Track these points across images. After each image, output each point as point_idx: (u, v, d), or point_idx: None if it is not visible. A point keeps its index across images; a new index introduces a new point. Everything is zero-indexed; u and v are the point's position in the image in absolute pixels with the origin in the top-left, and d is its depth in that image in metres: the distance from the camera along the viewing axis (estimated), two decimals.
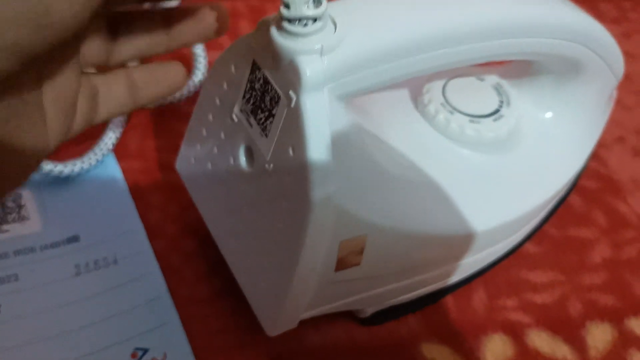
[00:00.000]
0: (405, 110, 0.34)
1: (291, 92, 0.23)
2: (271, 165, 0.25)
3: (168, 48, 0.27)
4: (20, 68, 0.19)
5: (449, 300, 0.36)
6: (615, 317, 0.36)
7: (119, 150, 0.40)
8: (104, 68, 0.27)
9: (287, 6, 0.22)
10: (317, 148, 0.23)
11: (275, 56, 0.23)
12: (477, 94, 0.35)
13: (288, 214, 0.25)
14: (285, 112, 0.24)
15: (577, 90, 0.36)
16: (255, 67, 0.25)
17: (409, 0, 0.26)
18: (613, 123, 0.46)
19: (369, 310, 0.32)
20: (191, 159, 0.32)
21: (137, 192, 0.38)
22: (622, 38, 0.55)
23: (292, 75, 0.23)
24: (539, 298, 0.36)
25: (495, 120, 0.34)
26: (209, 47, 0.42)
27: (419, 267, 0.32)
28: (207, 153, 0.30)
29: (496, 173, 0.34)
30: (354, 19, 0.24)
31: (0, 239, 0.35)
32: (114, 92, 0.26)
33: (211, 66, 0.45)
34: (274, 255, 0.27)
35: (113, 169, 0.39)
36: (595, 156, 0.44)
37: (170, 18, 0.27)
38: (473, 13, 0.27)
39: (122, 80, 0.26)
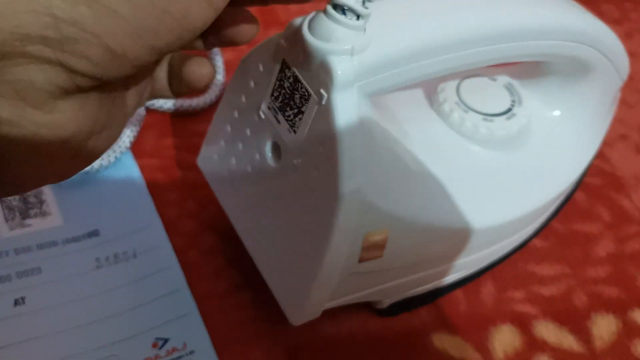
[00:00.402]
0: (421, 108, 0.35)
1: (322, 91, 0.24)
2: (299, 160, 0.26)
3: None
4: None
5: (459, 293, 0.37)
6: (619, 308, 0.37)
7: (136, 149, 0.41)
8: None
9: None
10: (347, 144, 0.24)
11: (306, 56, 0.24)
12: (490, 93, 0.36)
13: (316, 207, 0.26)
14: (315, 110, 0.25)
15: (584, 90, 0.37)
16: (284, 66, 0.26)
17: (432, 4, 0.27)
18: (616, 121, 0.48)
19: (387, 302, 0.33)
20: (214, 155, 0.32)
21: (155, 189, 0.39)
22: (624, 38, 0.56)
23: (323, 75, 0.24)
24: (546, 290, 0.37)
25: (508, 119, 0.35)
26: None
27: (435, 260, 0.33)
28: (231, 149, 0.31)
29: (507, 170, 0.35)
30: (382, 22, 0.25)
31: (23, 233, 0.36)
32: (158, 76, 0.27)
33: (226, 65, 0.46)
34: (301, 247, 0.28)
35: (131, 167, 0.40)
36: (598, 153, 0.45)
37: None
38: (491, 17, 0.28)
39: (165, 65, 0.27)
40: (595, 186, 0.43)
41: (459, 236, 0.32)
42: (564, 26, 0.32)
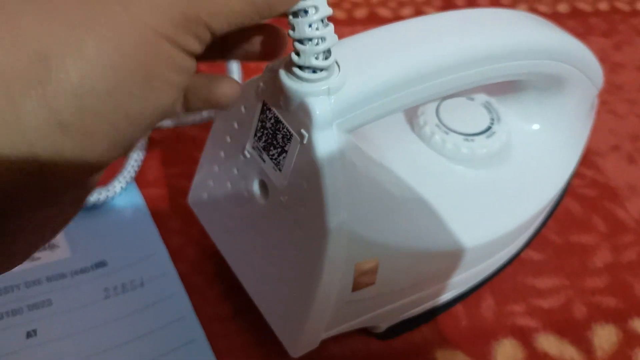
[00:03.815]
0: (403, 132, 0.34)
1: (303, 131, 0.23)
2: (286, 197, 0.26)
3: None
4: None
5: (459, 308, 0.36)
6: (619, 318, 0.36)
7: (140, 179, 0.41)
8: None
9: (297, 54, 0.22)
10: (330, 180, 0.24)
11: (285, 98, 0.24)
12: (469, 113, 0.35)
13: (305, 242, 0.25)
14: (298, 149, 0.24)
15: (561, 102, 0.36)
16: (265, 107, 0.25)
17: (403, 37, 0.27)
18: (607, 132, 0.46)
19: (383, 326, 0.32)
20: (203, 193, 0.32)
21: (159, 218, 0.39)
22: (613, 49, 0.55)
23: (303, 116, 0.23)
24: (545, 303, 0.36)
25: (488, 137, 0.34)
26: None
27: (429, 280, 0.32)
28: (220, 188, 0.30)
29: (492, 186, 0.34)
30: (355, 59, 0.24)
31: (33, 267, 0.35)
32: None
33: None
34: (293, 281, 0.27)
35: (135, 197, 0.40)
36: (592, 165, 0.44)
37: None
38: (463, 44, 0.27)
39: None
40: (590, 197, 0.42)
41: (450, 256, 0.31)
42: (535, 46, 0.31)
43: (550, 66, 0.32)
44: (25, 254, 0.22)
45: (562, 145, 0.37)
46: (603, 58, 0.54)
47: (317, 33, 0.22)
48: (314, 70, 0.22)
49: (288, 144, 0.25)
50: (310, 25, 0.21)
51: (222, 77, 0.25)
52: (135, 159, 0.40)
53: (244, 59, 0.26)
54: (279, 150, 0.25)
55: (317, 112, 0.23)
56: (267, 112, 0.25)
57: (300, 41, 0.22)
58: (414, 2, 0.58)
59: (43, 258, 0.36)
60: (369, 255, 0.27)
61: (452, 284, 0.33)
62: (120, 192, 0.39)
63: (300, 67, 0.22)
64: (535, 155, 0.36)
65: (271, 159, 0.26)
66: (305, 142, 0.24)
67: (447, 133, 0.33)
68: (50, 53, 0.17)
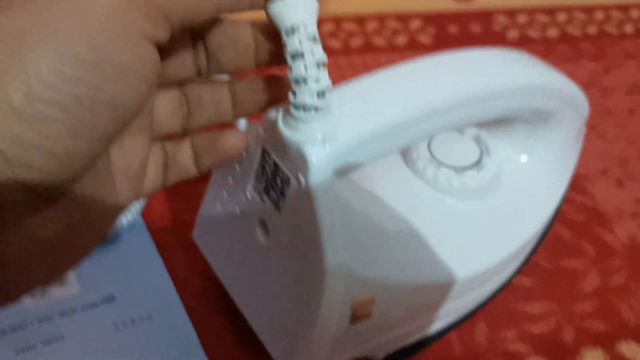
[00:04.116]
0: (396, 165, 0.36)
1: (300, 176, 0.25)
2: (286, 237, 0.27)
3: (233, 117, 0.28)
4: (101, 149, 0.21)
5: (453, 335, 0.37)
6: (607, 342, 0.37)
7: (145, 212, 0.42)
8: (170, 135, 0.28)
9: (294, 94, 0.24)
10: (327, 223, 0.25)
11: (283, 145, 0.25)
12: (459, 146, 0.37)
13: (304, 281, 0.27)
14: (296, 193, 0.26)
15: (548, 133, 0.37)
16: (265, 153, 0.27)
17: (396, 82, 0.28)
18: (596, 156, 0.48)
19: (380, 355, 0.34)
20: (207, 230, 0.34)
21: (164, 251, 0.40)
22: (602, 73, 0.56)
23: (300, 162, 0.25)
24: (536, 328, 0.38)
25: (478, 170, 0.35)
26: None
27: (424, 310, 0.33)
28: (222, 225, 0.32)
29: (483, 217, 0.36)
30: (349, 105, 0.26)
31: (44, 303, 0.37)
32: (180, 159, 0.27)
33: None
34: (293, 315, 0.28)
35: (141, 231, 0.41)
36: (581, 190, 0.45)
37: (235, 91, 0.28)
38: (455, 87, 0.29)
39: (187, 147, 0.27)
40: (579, 222, 0.43)
41: (444, 287, 0.33)
42: (524, 84, 0.32)
43: (538, 102, 0.34)
44: (30, 285, 0.23)
45: (550, 174, 0.39)
46: (593, 82, 0.56)
47: (313, 75, 0.23)
48: (309, 109, 0.24)
49: (287, 187, 0.26)
50: (306, 68, 0.23)
51: (227, 131, 0.27)
52: None
53: (256, 110, 0.28)
54: (278, 193, 0.27)
55: (314, 160, 0.24)
56: (267, 157, 0.27)
57: (297, 81, 0.24)
58: (407, 30, 0.60)
59: (54, 294, 0.37)
60: (365, 290, 0.28)
61: (446, 312, 0.35)
62: (126, 226, 0.41)
63: (296, 107, 0.24)
64: (525, 185, 0.37)
65: (271, 201, 0.27)
66: (302, 186, 0.25)
67: (438, 167, 0.35)
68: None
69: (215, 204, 0.32)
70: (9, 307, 0.22)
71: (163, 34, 0.21)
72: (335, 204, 0.25)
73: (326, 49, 0.24)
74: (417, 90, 0.28)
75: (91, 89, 0.19)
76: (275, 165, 0.26)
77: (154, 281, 0.39)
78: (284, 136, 0.25)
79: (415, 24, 0.61)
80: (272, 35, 0.25)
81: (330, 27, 0.59)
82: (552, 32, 0.62)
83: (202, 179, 0.44)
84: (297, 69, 0.23)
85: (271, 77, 0.28)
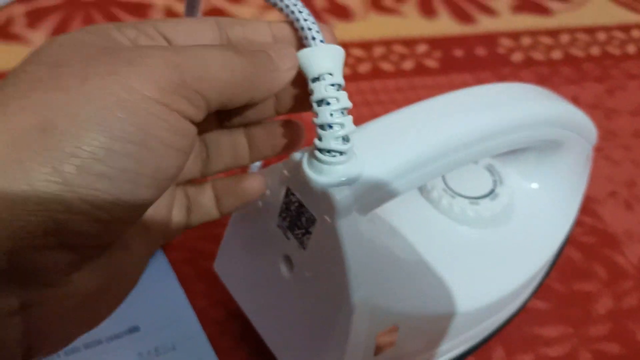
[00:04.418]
0: (411, 196, 0.36)
1: (326, 217, 0.26)
2: (311, 273, 0.28)
3: (250, 161, 0.30)
4: (141, 213, 0.23)
5: (471, 359, 0.38)
6: None
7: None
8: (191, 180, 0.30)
9: (320, 138, 0.25)
10: (353, 260, 0.26)
11: (308, 187, 0.26)
12: (473, 176, 0.37)
13: (330, 315, 0.28)
14: (321, 232, 0.27)
15: (558, 161, 0.38)
16: (289, 192, 0.28)
17: (415, 121, 0.29)
18: (604, 179, 0.49)
19: None
20: (229, 262, 0.34)
21: (185, 281, 0.41)
22: (606, 95, 0.57)
23: (325, 204, 0.26)
24: (552, 352, 0.38)
25: (492, 199, 0.36)
26: None
27: (444, 337, 0.34)
28: (245, 258, 0.33)
29: (497, 245, 0.36)
30: (370, 146, 0.27)
31: None
32: (202, 202, 0.29)
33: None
34: (318, 349, 0.29)
35: (161, 261, 0.42)
36: (590, 212, 0.46)
37: (251, 135, 0.29)
38: (473, 124, 0.30)
39: (209, 191, 0.29)
40: (590, 245, 0.44)
41: (463, 315, 0.34)
42: (538, 118, 0.33)
43: (552, 133, 0.34)
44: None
45: (561, 200, 0.40)
46: (597, 104, 0.57)
47: (338, 121, 0.24)
48: (334, 153, 0.25)
49: (312, 226, 0.27)
50: (331, 114, 0.24)
51: (247, 175, 0.29)
52: None
53: (272, 154, 0.29)
54: (303, 231, 0.28)
55: (339, 201, 0.25)
56: (291, 196, 0.28)
57: (322, 127, 0.25)
58: (414, 55, 0.61)
59: None
60: (389, 322, 0.29)
61: (465, 338, 0.35)
62: None
63: (321, 151, 0.25)
64: (537, 212, 0.38)
65: (296, 237, 0.28)
66: (328, 226, 0.26)
67: (453, 197, 0.36)
68: (55, 122, 0.20)
69: (237, 238, 0.33)
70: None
71: (201, 115, 0.23)
72: (360, 241, 0.26)
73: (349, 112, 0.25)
74: (436, 129, 0.29)
75: (136, 163, 0.21)
76: (300, 204, 0.27)
77: (176, 311, 0.40)
78: (309, 178, 0.26)
79: (421, 48, 0.62)
80: (292, 84, 0.26)
81: None
82: (556, 54, 0.63)
83: None
84: (323, 115, 0.24)
85: (286, 121, 0.29)
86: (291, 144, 0.29)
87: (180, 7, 0.63)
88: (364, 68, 0.59)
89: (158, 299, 0.40)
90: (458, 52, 0.62)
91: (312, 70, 0.25)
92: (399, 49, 0.62)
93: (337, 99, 0.24)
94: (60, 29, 0.58)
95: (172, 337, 0.38)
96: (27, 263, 0.20)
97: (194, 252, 0.43)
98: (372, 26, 0.64)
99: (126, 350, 0.38)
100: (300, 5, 0.26)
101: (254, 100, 0.24)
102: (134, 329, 0.39)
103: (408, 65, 0.60)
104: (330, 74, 0.24)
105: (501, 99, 0.32)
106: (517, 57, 0.62)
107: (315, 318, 0.29)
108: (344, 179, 0.25)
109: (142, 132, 0.21)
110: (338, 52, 0.25)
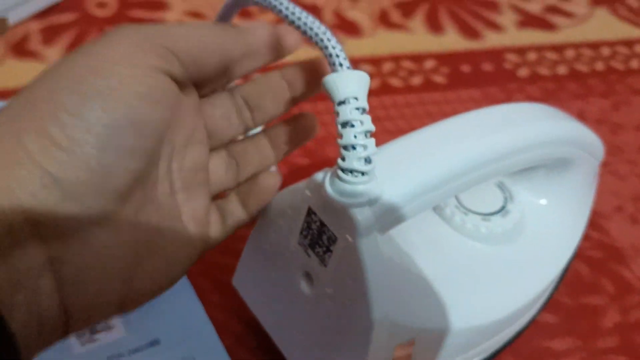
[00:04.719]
0: (424, 213, 0.37)
1: (348, 236, 0.27)
2: (331, 289, 0.29)
3: (275, 160, 0.33)
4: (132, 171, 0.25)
5: None
6: None
7: None
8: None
9: (343, 159, 0.26)
10: (373, 277, 0.27)
11: (330, 207, 0.27)
12: (484, 193, 0.39)
13: (350, 331, 0.29)
14: (343, 250, 0.28)
15: (567, 178, 0.40)
16: (310, 211, 0.29)
17: (431, 143, 0.30)
18: (610, 194, 0.50)
19: None
20: (248, 278, 0.36)
21: (201, 294, 0.42)
22: (611, 110, 0.58)
23: (347, 223, 0.27)
24: None
25: (503, 216, 0.38)
26: None
27: (457, 350, 0.35)
28: (265, 275, 0.34)
29: (508, 260, 0.37)
30: (390, 168, 0.28)
31: (94, 348, 0.39)
32: (232, 210, 0.32)
33: None
34: None
35: None
36: (597, 227, 0.47)
37: (273, 136, 0.33)
38: (487, 145, 0.31)
39: (235, 198, 0.32)
40: (597, 259, 0.45)
41: (477, 329, 0.35)
42: (551, 137, 0.35)
43: (561, 152, 0.36)
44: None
45: (569, 215, 0.41)
46: (602, 119, 0.58)
47: (361, 142, 0.26)
48: (356, 173, 0.26)
49: (333, 245, 0.28)
50: (355, 136, 0.26)
51: (263, 173, 0.32)
52: None
53: (293, 149, 0.33)
54: (324, 249, 0.29)
55: (361, 221, 0.27)
56: (313, 215, 0.29)
57: (346, 148, 0.26)
58: (422, 70, 0.62)
59: (101, 339, 0.39)
60: (406, 337, 0.30)
61: (477, 351, 0.37)
62: None
63: (344, 170, 0.26)
64: (545, 227, 0.39)
65: (316, 255, 0.29)
66: (350, 245, 0.27)
67: (466, 214, 0.37)
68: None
69: (256, 255, 0.34)
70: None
71: (176, 69, 0.26)
72: (379, 259, 0.28)
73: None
74: (453, 151, 0.30)
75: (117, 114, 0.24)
76: (322, 223, 0.29)
77: (195, 324, 0.41)
78: (331, 198, 0.27)
79: (429, 64, 0.63)
80: (300, 73, 0.30)
81: None
82: (562, 69, 0.64)
83: None
84: (347, 136, 0.26)
85: (299, 115, 0.32)
86: (307, 134, 0.32)
87: None
88: (373, 84, 0.60)
89: (177, 312, 0.41)
90: (465, 68, 0.63)
91: (338, 94, 0.26)
92: (408, 64, 0.63)
93: (361, 122, 0.26)
94: (75, 45, 0.60)
95: (192, 349, 0.39)
96: (45, 217, 0.22)
97: (210, 265, 0.44)
98: (381, 42, 0.65)
99: None
100: (329, 33, 0.27)
101: (227, 56, 0.28)
102: (154, 342, 0.40)
103: (416, 80, 0.61)
104: (356, 98, 0.26)
105: (514, 120, 0.34)
106: (523, 72, 0.64)
107: (334, 332, 0.30)
108: (365, 199, 0.27)
109: (120, 85, 0.24)
110: (363, 78, 0.26)
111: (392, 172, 0.28)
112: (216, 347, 0.40)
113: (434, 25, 0.68)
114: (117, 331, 0.40)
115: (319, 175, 0.28)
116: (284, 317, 0.34)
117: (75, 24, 0.62)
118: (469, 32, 0.68)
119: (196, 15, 0.65)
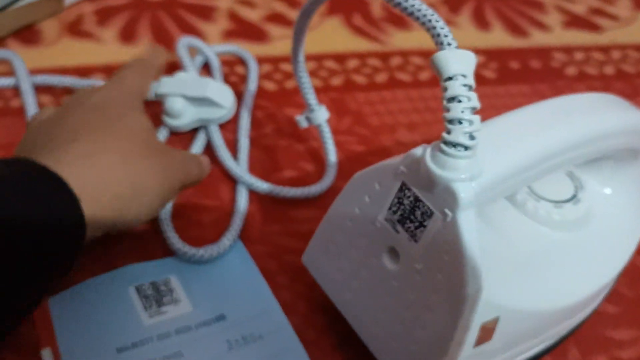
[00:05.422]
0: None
1: (447, 210, 0.28)
2: (421, 265, 0.30)
3: None
4: None
5: (547, 359, 0.39)
6: None
7: (244, 236, 0.45)
8: None
9: (448, 132, 0.27)
10: (471, 253, 0.28)
11: (429, 182, 0.28)
12: (555, 181, 0.39)
13: (439, 306, 0.29)
14: (439, 225, 0.28)
15: (633, 168, 0.40)
16: (404, 187, 0.29)
17: (523, 126, 0.31)
18: None
19: None
20: (320, 255, 0.36)
21: (266, 274, 0.42)
22: None
23: (447, 197, 0.27)
24: (625, 354, 0.40)
25: (574, 204, 0.38)
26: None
27: (529, 335, 0.36)
28: (340, 252, 0.34)
29: (578, 248, 0.38)
30: (489, 145, 0.29)
31: (162, 320, 0.39)
32: None
33: None
34: (422, 339, 0.31)
35: (242, 253, 0.44)
36: None
37: None
38: (573, 130, 0.32)
39: None
40: None
41: (552, 313, 0.35)
42: (625, 127, 0.35)
43: (632, 142, 0.36)
44: None
45: (632, 205, 0.41)
46: None
47: (467, 117, 0.26)
48: (460, 147, 0.27)
49: (428, 220, 0.29)
50: (462, 111, 0.26)
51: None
52: (239, 217, 0.45)
53: None
54: (417, 224, 0.29)
55: (462, 196, 0.27)
56: (406, 191, 0.29)
57: (452, 122, 0.26)
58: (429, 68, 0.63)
59: (169, 312, 0.40)
60: (491, 315, 0.31)
61: (544, 337, 0.37)
62: (229, 249, 0.43)
63: (448, 144, 0.27)
64: (612, 217, 0.40)
65: (406, 231, 0.30)
66: (448, 220, 0.28)
67: (537, 201, 0.37)
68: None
69: (334, 232, 0.34)
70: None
71: None
72: (475, 235, 0.28)
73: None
74: (545, 135, 0.31)
75: None
76: (416, 198, 0.29)
77: (261, 302, 0.41)
78: (432, 173, 0.27)
79: (478, 59, 0.64)
80: None
81: (356, 63, 0.62)
82: (609, 70, 0.65)
83: (291, 204, 0.46)
84: (455, 110, 0.26)
85: None
86: None
87: (243, 11, 0.65)
88: (381, 78, 0.59)
89: (242, 289, 0.42)
90: (514, 64, 0.64)
91: (446, 70, 0.26)
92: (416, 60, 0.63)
93: (469, 98, 0.26)
94: (128, 27, 0.60)
95: (259, 327, 0.40)
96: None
97: (276, 247, 0.44)
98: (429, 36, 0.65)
99: (215, 337, 0.39)
100: (436, 15, 0.28)
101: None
102: (220, 317, 0.40)
103: (424, 75, 0.61)
104: (464, 75, 0.26)
105: (596, 108, 0.34)
106: (570, 70, 0.64)
107: (420, 307, 0.30)
108: (467, 174, 0.27)
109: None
110: (471, 57, 0.27)
111: (490, 151, 0.29)
112: (284, 326, 0.40)
113: (481, 22, 0.69)
114: (184, 305, 0.40)
115: (417, 150, 0.29)
116: (360, 294, 0.34)
117: (129, 7, 0.63)
118: (516, 29, 0.68)
119: (247, 3, 0.66)
